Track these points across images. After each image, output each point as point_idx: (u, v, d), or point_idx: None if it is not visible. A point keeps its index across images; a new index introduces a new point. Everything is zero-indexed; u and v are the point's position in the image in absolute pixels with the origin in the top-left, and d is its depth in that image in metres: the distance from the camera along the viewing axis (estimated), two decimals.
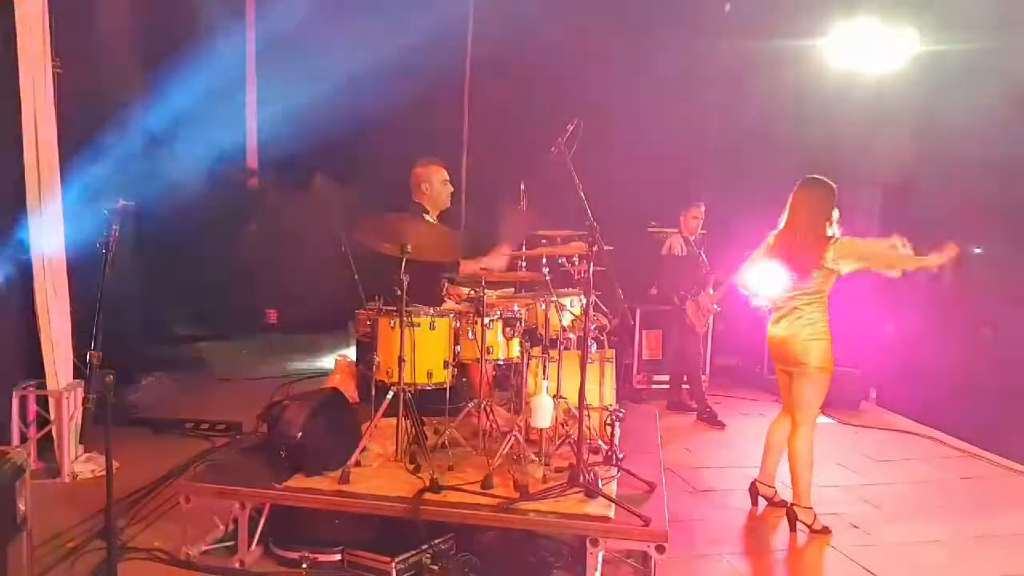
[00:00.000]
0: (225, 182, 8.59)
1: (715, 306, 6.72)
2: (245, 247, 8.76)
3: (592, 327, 3.93)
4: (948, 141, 6.32)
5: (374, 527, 3.54)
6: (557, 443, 4.05)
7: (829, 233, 4.04)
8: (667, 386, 6.99)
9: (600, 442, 4.13)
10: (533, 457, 3.91)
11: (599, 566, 3.29)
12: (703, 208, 6.69)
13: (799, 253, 4.09)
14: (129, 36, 6.75)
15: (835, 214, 4.09)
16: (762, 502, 4.52)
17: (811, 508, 4.15)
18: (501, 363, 4.28)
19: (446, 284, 4.57)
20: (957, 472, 5.31)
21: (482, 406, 4.15)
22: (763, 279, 4.30)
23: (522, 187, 4.62)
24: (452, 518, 3.43)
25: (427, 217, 4.55)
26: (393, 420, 3.92)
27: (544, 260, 4.20)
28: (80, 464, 4.65)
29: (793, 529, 4.15)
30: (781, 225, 4.24)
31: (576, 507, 3.42)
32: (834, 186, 4.13)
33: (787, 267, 4.14)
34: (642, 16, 7.88)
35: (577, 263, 4.47)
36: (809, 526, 4.13)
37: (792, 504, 4.19)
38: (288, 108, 8.20)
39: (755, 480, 4.54)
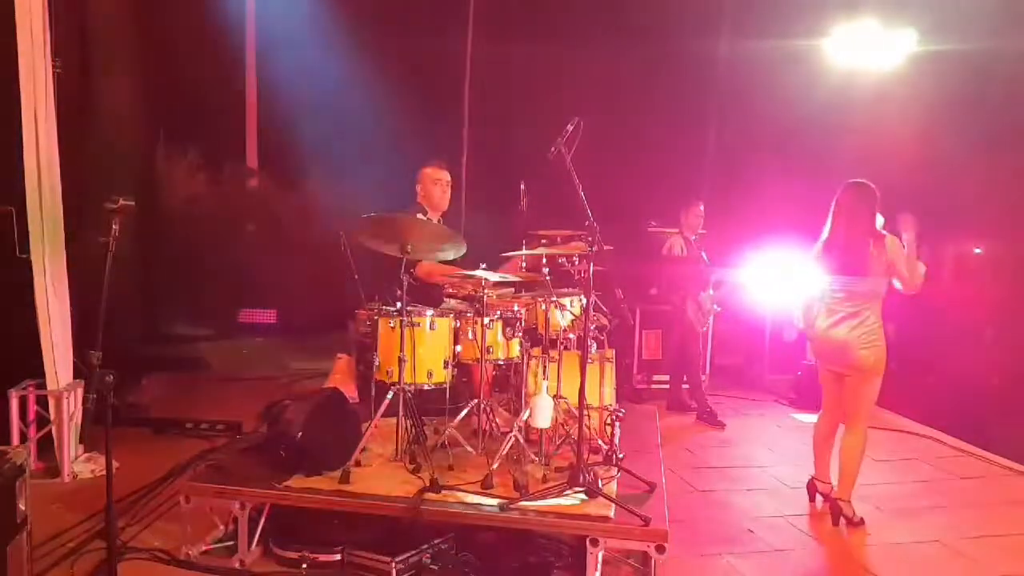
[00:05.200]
0: (225, 182, 8.59)
1: (715, 306, 6.73)
2: (245, 247, 8.75)
3: (592, 327, 3.92)
4: (947, 140, 6.33)
5: (374, 527, 3.54)
6: (557, 443, 4.06)
7: (880, 231, 4.09)
8: (667, 386, 6.99)
9: (600, 442, 4.13)
10: (533, 457, 3.92)
11: (599, 566, 3.29)
12: (703, 207, 6.69)
13: (854, 255, 4.11)
14: (129, 36, 6.75)
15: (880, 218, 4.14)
16: (819, 499, 4.55)
17: (850, 502, 4.26)
18: (501, 363, 4.29)
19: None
20: (957, 472, 5.30)
21: (482, 406, 4.15)
22: (811, 287, 4.36)
23: (522, 187, 4.62)
24: (452, 518, 3.43)
25: (427, 217, 4.55)
26: (393, 420, 3.93)
27: (544, 260, 4.20)
28: (80, 464, 4.65)
29: (836, 523, 4.26)
30: (827, 231, 4.25)
31: (576, 507, 3.42)
32: (876, 188, 4.15)
33: (843, 271, 4.16)
34: (643, 16, 7.88)
35: (577, 263, 4.47)
36: (850, 519, 4.23)
37: (837, 499, 4.28)
38: (289, 107, 8.21)
39: (812, 478, 4.58)
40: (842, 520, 4.23)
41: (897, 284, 4.11)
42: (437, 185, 4.67)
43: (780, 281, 4.38)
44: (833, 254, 4.20)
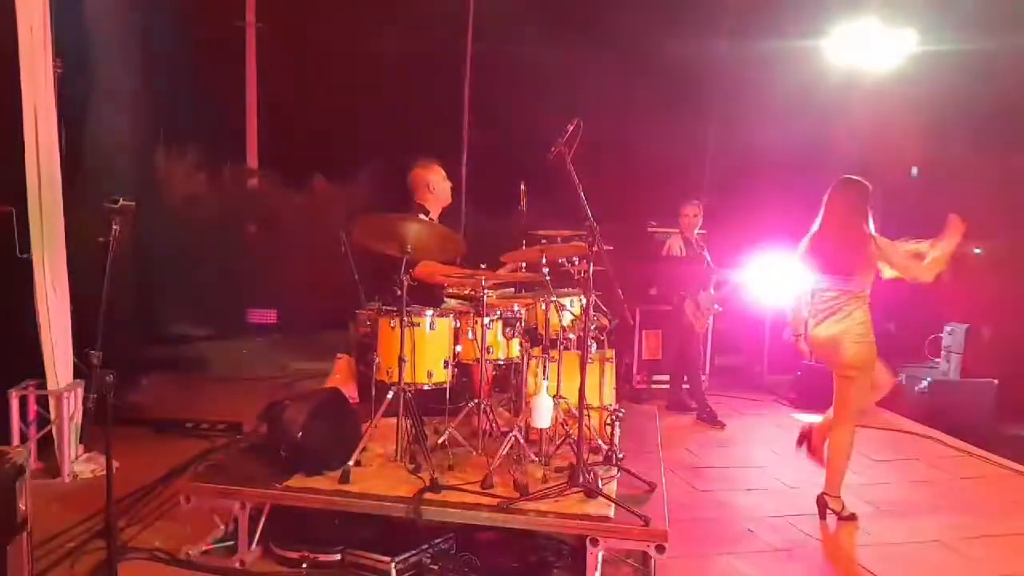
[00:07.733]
0: (225, 182, 8.60)
1: (716, 306, 6.71)
2: (245, 247, 8.76)
3: (592, 327, 3.92)
4: (947, 140, 6.33)
5: (374, 527, 3.54)
6: (557, 443, 4.05)
7: (870, 231, 4.10)
8: (667, 386, 6.99)
9: (600, 442, 4.13)
10: (533, 457, 3.92)
11: (599, 566, 3.29)
12: (699, 205, 6.68)
13: (843, 253, 4.14)
14: (129, 36, 6.76)
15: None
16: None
17: (839, 497, 4.30)
18: (501, 363, 4.28)
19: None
20: (957, 472, 5.30)
21: (482, 406, 4.15)
22: (799, 283, 4.38)
23: (522, 187, 4.63)
24: (452, 518, 3.43)
25: (428, 217, 4.55)
26: (393, 420, 3.92)
27: (544, 260, 4.20)
28: (80, 464, 4.65)
29: (823, 517, 4.30)
30: (816, 227, 4.27)
31: (576, 507, 3.42)
32: (869, 185, 4.18)
33: (830, 269, 4.19)
34: (643, 16, 7.89)
35: (577, 263, 4.47)
36: (838, 513, 4.28)
37: (823, 493, 4.32)
38: (289, 107, 8.22)
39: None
40: (831, 515, 4.27)
41: (891, 274, 4.14)
42: (446, 181, 4.72)
43: (780, 281, 4.39)
44: (821, 251, 4.23)
